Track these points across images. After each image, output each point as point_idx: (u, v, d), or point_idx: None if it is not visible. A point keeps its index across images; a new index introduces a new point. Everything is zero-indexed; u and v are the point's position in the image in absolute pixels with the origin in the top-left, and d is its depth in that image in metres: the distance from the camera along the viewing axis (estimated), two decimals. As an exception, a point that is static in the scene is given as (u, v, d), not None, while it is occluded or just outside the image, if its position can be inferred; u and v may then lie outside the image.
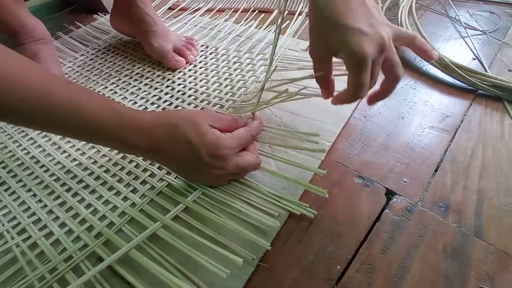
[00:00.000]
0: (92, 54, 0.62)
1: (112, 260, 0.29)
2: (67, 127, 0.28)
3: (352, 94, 0.29)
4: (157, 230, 0.31)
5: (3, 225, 0.34)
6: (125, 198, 0.36)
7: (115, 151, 0.41)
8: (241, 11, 0.69)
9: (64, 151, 0.42)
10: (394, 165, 0.36)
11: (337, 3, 0.26)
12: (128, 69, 0.56)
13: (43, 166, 0.41)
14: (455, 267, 0.28)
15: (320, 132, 0.39)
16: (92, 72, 0.57)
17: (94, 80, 0.55)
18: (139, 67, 0.56)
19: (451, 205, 0.32)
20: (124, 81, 0.54)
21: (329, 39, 0.28)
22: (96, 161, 0.40)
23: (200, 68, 0.54)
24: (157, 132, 0.30)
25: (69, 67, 0.59)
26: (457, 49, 0.53)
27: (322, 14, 0.27)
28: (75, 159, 0.41)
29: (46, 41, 0.54)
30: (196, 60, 0.56)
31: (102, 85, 0.54)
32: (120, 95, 0.51)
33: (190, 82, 0.51)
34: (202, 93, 0.49)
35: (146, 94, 0.50)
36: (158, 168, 0.38)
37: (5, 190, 0.38)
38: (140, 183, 0.37)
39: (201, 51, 0.58)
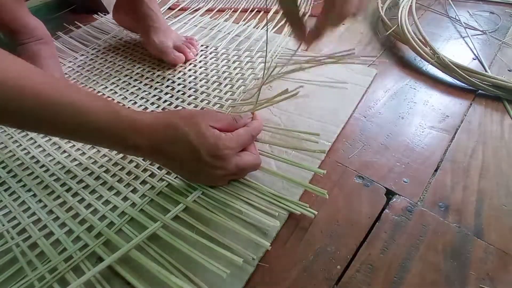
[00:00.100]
0: (92, 54, 0.62)
1: (112, 260, 0.29)
2: (67, 129, 0.28)
3: (336, 13, 0.27)
4: (157, 230, 0.31)
5: (3, 225, 0.34)
6: (125, 198, 0.36)
7: (115, 151, 0.41)
8: (240, 11, 0.69)
9: (64, 151, 0.42)
10: (394, 165, 0.36)
11: None
12: (128, 69, 0.56)
13: (43, 166, 0.41)
14: (455, 267, 0.28)
15: (320, 132, 0.39)
16: (92, 72, 0.57)
17: (94, 80, 0.55)
18: (139, 67, 0.56)
19: (451, 205, 0.32)
20: (124, 81, 0.54)
21: None
22: (96, 161, 0.40)
23: (200, 68, 0.54)
24: (158, 132, 0.30)
25: (69, 67, 0.59)
26: (457, 49, 0.53)
27: None
28: (75, 159, 0.41)
29: (46, 41, 0.54)
30: (196, 59, 0.56)
31: (102, 85, 0.54)
32: (120, 95, 0.51)
33: (190, 82, 0.51)
34: (202, 93, 0.49)
35: (146, 94, 0.50)
36: (158, 168, 0.38)
37: (5, 190, 0.38)
38: (140, 183, 0.37)
39: (201, 51, 0.58)
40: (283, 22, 0.59)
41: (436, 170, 0.35)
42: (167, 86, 0.51)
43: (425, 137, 0.39)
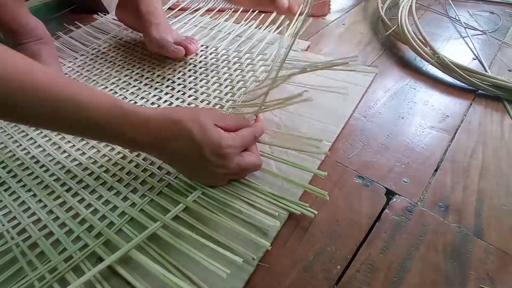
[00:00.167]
0: (92, 54, 0.62)
1: (112, 260, 0.29)
2: (68, 124, 0.28)
3: None
4: (157, 230, 0.31)
5: (3, 225, 0.34)
6: (125, 198, 0.36)
7: (115, 151, 0.41)
8: (241, 11, 0.69)
9: (64, 151, 0.42)
10: (394, 165, 0.36)
11: None
12: (128, 69, 0.56)
13: (43, 166, 0.41)
14: (455, 267, 0.28)
15: (320, 132, 0.39)
16: (92, 72, 0.57)
17: (94, 80, 0.55)
18: (139, 67, 0.56)
19: (451, 205, 0.32)
20: (124, 81, 0.54)
21: None
22: (96, 161, 0.40)
23: (200, 68, 0.54)
24: (160, 128, 0.30)
25: (69, 67, 0.59)
26: (457, 49, 0.53)
27: None
28: (75, 159, 0.41)
29: (46, 41, 0.54)
30: (196, 60, 0.56)
31: (102, 85, 0.54)
32: (120, 95, 0.51)
33: (190, 82, 0.51)
34: (202, 93, 0.49)
35: (146, 94, 0.50)
36: (158, 168, 0.38)
37: (5, 190, 0.38)
38: (140, 183, 0.37)
39: (201, 51, 0.58)
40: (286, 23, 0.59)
41: (436, 170, 0.35)
42: (167, 86, 0.51)
43: (425, 137, 0.39)
